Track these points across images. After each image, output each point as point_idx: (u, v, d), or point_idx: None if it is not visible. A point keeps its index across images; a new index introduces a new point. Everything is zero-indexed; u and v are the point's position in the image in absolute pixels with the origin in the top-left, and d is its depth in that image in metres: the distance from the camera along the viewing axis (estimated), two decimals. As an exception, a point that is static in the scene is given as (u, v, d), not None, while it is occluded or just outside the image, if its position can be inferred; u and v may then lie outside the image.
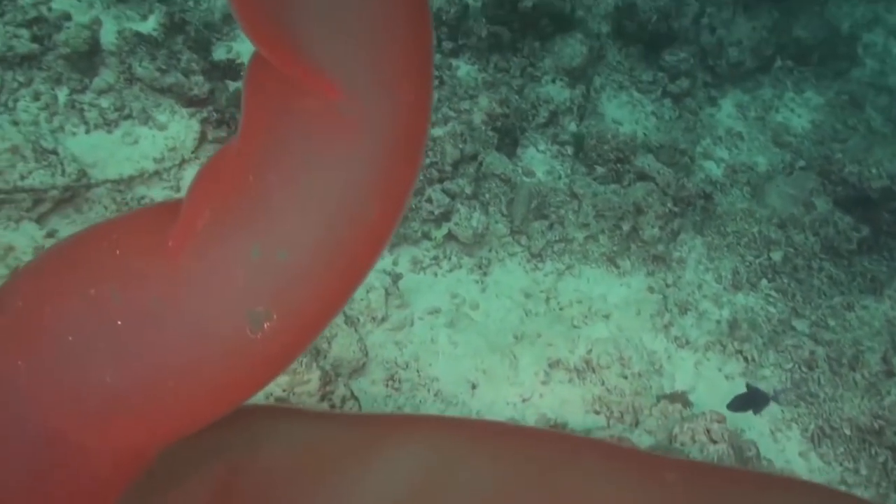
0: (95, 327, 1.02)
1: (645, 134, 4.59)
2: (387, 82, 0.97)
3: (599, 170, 3.71)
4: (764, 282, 3.61)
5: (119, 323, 1.01)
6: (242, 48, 3.61)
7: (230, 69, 2.94)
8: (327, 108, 0.99)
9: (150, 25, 2.89)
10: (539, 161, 3.73)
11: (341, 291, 1.05)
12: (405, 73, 0.98)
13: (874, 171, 4.12)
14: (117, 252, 1.05)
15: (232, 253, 1.02)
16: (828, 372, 3.02)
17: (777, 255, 3.76)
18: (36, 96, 2.57)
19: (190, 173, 2.59)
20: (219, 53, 3.49)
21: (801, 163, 4.77)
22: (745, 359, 3.03)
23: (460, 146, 3.26)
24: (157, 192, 2.53)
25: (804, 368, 3.03)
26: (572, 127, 3.99)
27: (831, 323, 3.35)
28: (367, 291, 2.59)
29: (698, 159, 4.66)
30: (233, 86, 3.02)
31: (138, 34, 2.67)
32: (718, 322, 3.28)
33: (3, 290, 1.08)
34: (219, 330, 1.02)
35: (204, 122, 2.71)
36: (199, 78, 2.70)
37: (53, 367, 1.01)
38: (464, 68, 4.22)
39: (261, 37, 0.97)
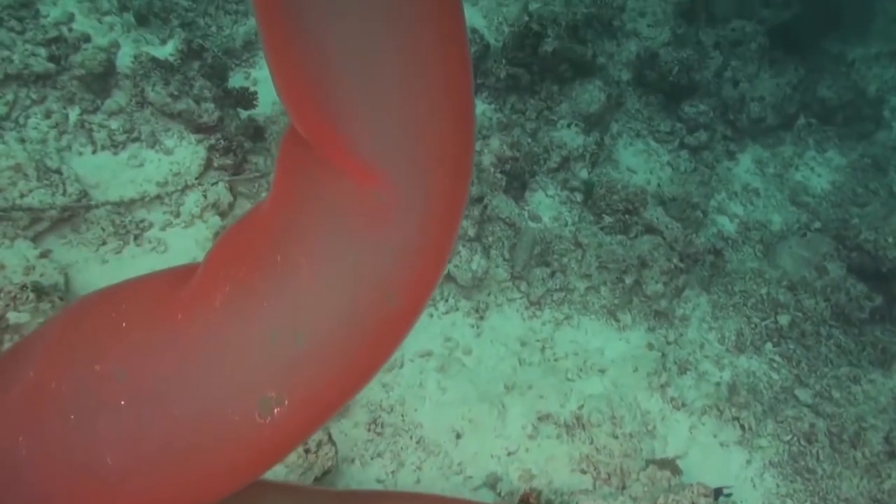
0: (99, 406, 0.99)
1: (658, 185, 4.55)
2: (424, 169, 0.94)
3: (607, 219, 3.67)
4: (769, 346, 3.52)
5: (122, 403, 0.99)
6: (260, 75, 3.66)
7: (243, 98, 2.97)
8: (361, 192, 0.95)
9: (167, 50, 2.94)
10: (546, 206, 3.71)
11: (357, 380, 1.02)
12: (444, 159, 0.95)
13: (890, 240, 4.03)
14: (123, 325, 1.02)
15: (250, 334, 0.97)
16: (827, 447, 2.92)
17: (784, 319, 3.67)
18: (47, 114, 2.61)
19: (192, 199, 2.61)
20: (236, 80, 3.54)
21: (817, 224, 4.69)
22: (742, 426, 2.94)
23: (466, 188, 3.24)
24: (157, 216, 2.55)
25: (803, 442, 2.93)
26: (583, 174, 3.97)
27: (835, 395, 3.25)
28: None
29: (711, 213, 4.60)
30: (244, 114, 3.05)
31: (154, 59, 2.72)
32: (718, 384, 3.19)
33: (19, 354, 1.06)
34: (226, 414, 0.98)
35: (211, 149, 2.73)
36: (210, 105, 2.72)
37: (54, 447, 0.99)
38: (479, 107, 4.23)
39: (300, 113, 0.92)
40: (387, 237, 0.94)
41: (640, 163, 4.75)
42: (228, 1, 3.79)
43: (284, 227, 1.00)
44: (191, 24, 3.57)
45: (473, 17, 4.60)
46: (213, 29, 3.67)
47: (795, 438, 2.94)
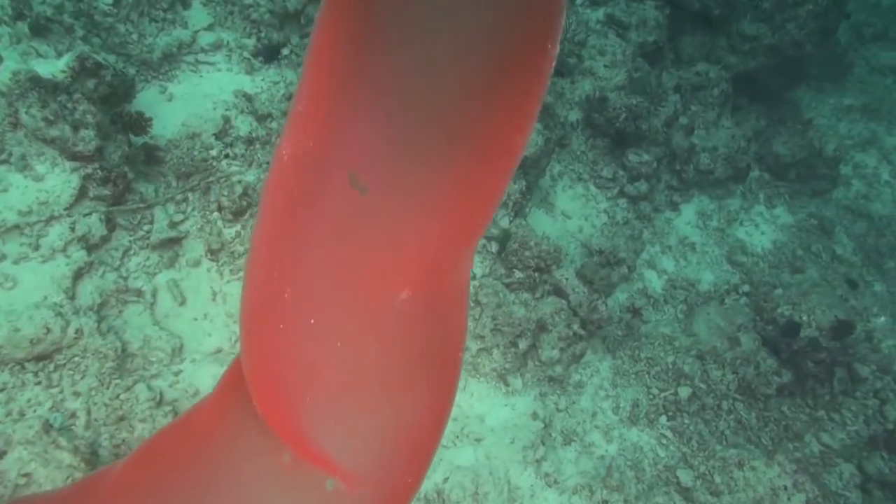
0: None
1: (590, 233, 4.49)
2: (386, 472, 0.95)
3: (517, 274, 3.60)
4: (663, 419, 3.48)
5: None
6: (177, 90, 3.54)
7: (135, 123, 2.85)
8: (314, 476, 0.93)
9: (59, 66, 2.81)
10: (458, 254, 3.62)
11: None
12: (409, 462, 0.96)
13: (805, 318, 3.99)
14: None
15: None
16: (693, 540, 2.89)
17: (685, 392, 3.63)
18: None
19: (56, 231, 2.49)
20: (148, 95, 3.42)
21: (746, 287, 4.65)
22: (609, 512, 2.91)
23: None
24: (13, 248, 2.42)
25: (669, 532, 2.90)
26: (504, 222, 3.89)
27: (717, 479, 3.22)
28: (214, 386, 2.48)
29: (640, 268, 4.55)
30: (136, 140, 2.93)
31: (34, 77, 2.58)
32: (602, 458, 3.15)
33: None
34: None
35: (87, 178, 2.61)
36: (90, 132, 2.60)
37: None
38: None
39: (263, 400, 0.91)
40: None
41: (577, 207, 4.68)
42: (155, 7, 3.65)
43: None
44: (108, 30, 3.43)
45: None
46: (134, 37, 3.54)
47: (662, 528, 2.91)
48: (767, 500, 3.11)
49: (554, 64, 0.76)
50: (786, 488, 3.13)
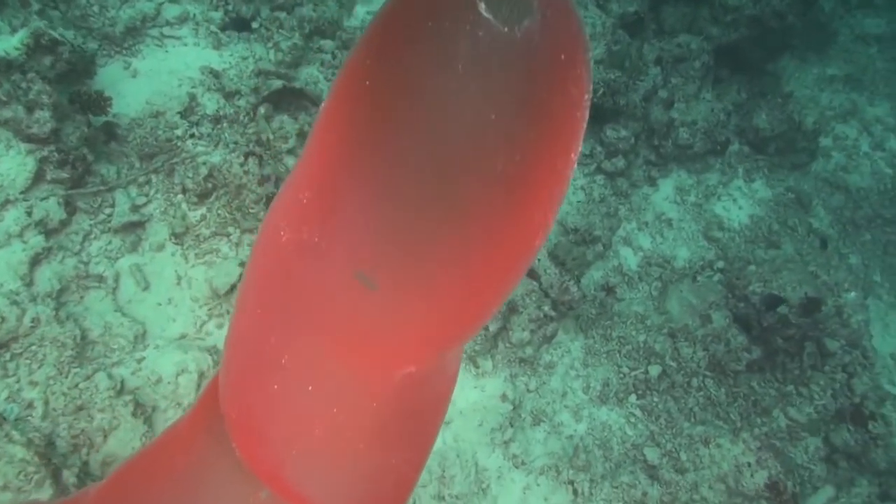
0: None
1: (566, 211, 4.47)
2: None
3: (489, 255, 3.58)
4: (633, 397, 3.52)
5: None
6: (142, 66, 3.45)
7: (94, 103, 2.77)
8: None
9: (12, 43, 2.72)
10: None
11: None
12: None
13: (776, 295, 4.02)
14: None
15: None
16: (655, 518, 2.95)
17: (655, 370, 3.67)
18: None
19: (12, 216, 2.44)
20: (111, 71, 3.33)
21: (721, 264, 4.67)
22: (575, 491, 2.95)
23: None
24: (-33, 235, 2.37)
25: (632, 511, 2.96)
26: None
27: (682, 457, 3.27)
28: (178, 375, 2.46)
29: (616, 245, 4.55)
30: (96, 121, 2.86)
31: (-14, 56, 2.50)
32: (570, 438, 3.19)
33: None
34: None
35: (43, 161, 2.54)
36: (45, 114, 2.53)
37: None
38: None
39: (255, 464, 0.90)
40: None
41: (553, 183, 4.66)
42: (117, -22, 3.53)
43: None
44: (67, 2, 3.32)
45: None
46: (96, 9, 3.43)
47: (625, 506, 2.96)
48: (731, 476, 3.17)
49: (574, 168, 0.73)
50: (749, 465, 3.19)
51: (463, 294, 0.77)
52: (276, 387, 0.83)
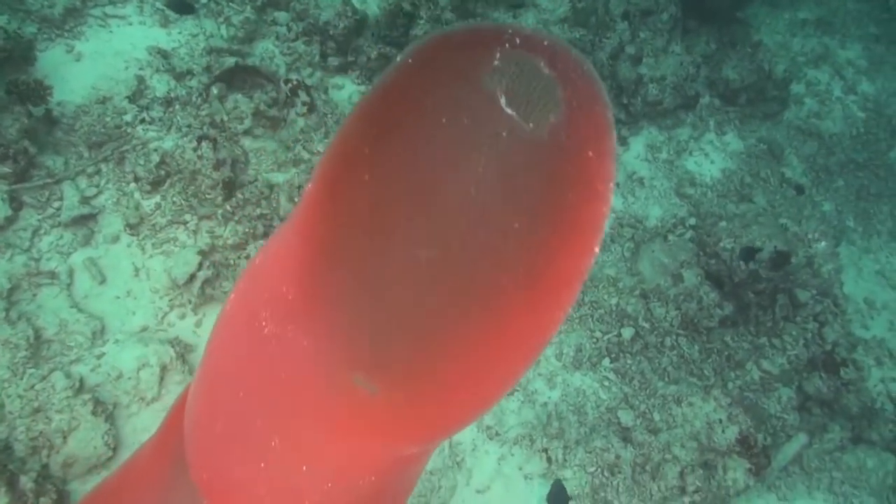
0: None
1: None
2: None
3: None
4: (606, 361, 3.54)
5: None
6: (85, 48, 3.32)
7: (32, 93, 2.67)
8: None
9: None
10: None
11: None
12: None
13: (746, 252, 4.03)
14: None
15: None
16: (629, 479, 2.99)
17: (628, 333, 3.68)
18: None
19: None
20: (53, 55, 3.20)
21: (693, 221, 4.67)
22: (549, 459, 2.98)
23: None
24: None
25: (606, 473, 2.99)
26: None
27: (655, 417, 3.31)
28: (139, 369, 2.43)
29: (586, 207, 4.52)
30: (36, 111, 2.75)
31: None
32: (544, 405, 3.20)
33: None
34: None
35: (-17, 157, 2.46)
36: (-22, 109, 2.43)
37: None
38: (348, 88, 3.96)
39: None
40: None
41: (522, 148, 4.60)
42: (52, -43, 3.37)
43: None
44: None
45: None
46: (32, -9, 3.28)
47: (599, 470, 3.00)
48: (703, 434, 3.22)
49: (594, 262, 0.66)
50: (720, 421, 3.23)
51: (470, 389, 0.69)
52: (263, 465, 0.78)
